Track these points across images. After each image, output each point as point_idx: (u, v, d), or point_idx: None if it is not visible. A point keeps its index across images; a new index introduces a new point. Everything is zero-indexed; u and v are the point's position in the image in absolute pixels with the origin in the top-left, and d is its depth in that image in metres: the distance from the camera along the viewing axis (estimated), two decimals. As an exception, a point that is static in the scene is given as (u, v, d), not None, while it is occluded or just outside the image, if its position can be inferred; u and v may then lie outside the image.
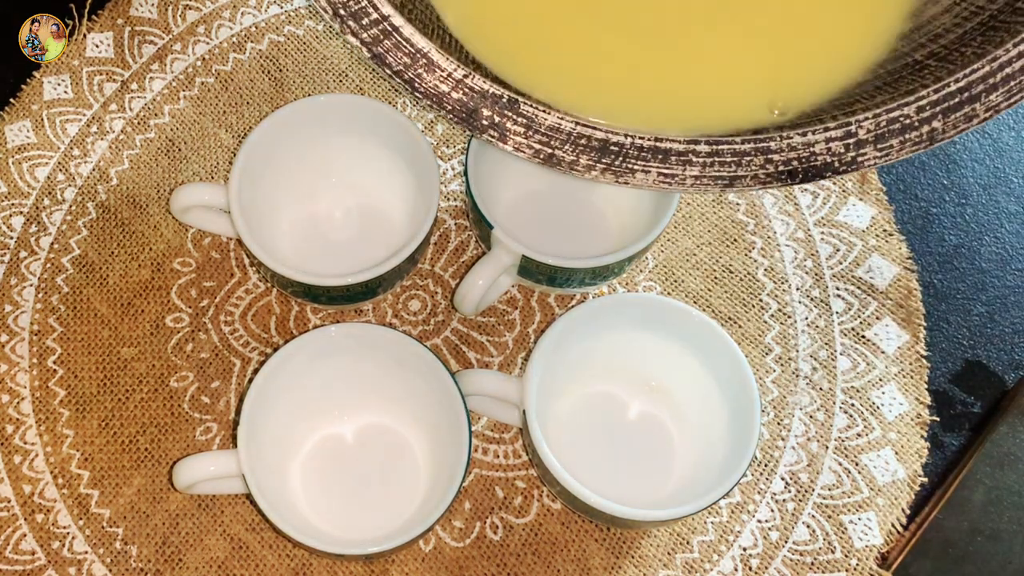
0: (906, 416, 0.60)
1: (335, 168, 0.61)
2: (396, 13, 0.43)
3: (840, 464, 0.59)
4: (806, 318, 0.62)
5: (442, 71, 0.43)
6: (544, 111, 0.43)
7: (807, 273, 0.63)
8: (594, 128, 0.43)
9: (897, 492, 0.58)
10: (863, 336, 0.61)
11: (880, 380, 0.60)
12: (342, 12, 0.44)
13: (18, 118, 0.64)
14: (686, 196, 0.64)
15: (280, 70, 0.66)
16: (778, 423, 0.59)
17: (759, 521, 0.57)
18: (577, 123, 0.43)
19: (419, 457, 0.56)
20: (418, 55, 0.43)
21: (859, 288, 0.63)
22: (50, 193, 0.62)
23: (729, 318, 0.62)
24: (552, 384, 0.55)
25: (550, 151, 0.43)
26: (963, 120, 0.42)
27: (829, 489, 0.58)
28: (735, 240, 0.63)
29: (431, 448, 0.56)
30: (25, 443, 0.57)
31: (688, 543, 0.57)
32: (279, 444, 0.54)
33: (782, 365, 0.61)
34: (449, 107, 0.43)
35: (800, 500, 0.58)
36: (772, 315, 0.62)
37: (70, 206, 0.62)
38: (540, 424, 0.52)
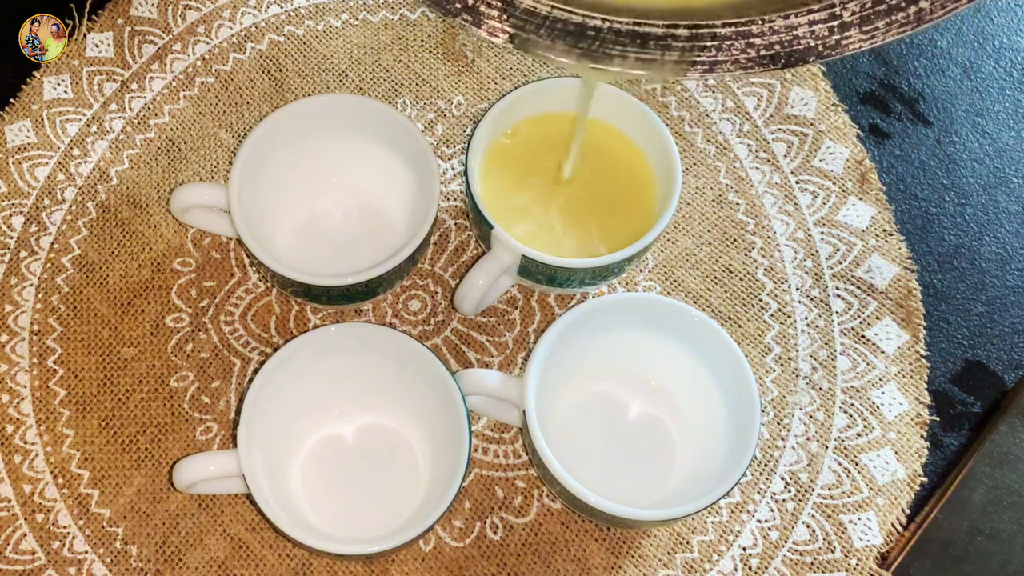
0: (906, 416, 0.60)
1: (335, 168, 0.61)
2: None
3: (840, 464, 0.59)
4: (806, 318, 0.62)
5: None
6: None
7: (807, 273, 0.63)
8: (571, 12, 0.41)
9: (897, 492, 0.58)
10: (863, 336, 0.61)
11: (880, 380, 0.60)
12: None
13: (18, 118, 0.64)
14: (685, 196, 0.64)
15: (280, 70, 0.66)
16: (778, 423, 0.59)
17: (759, 521, 0.57)
18: (553, 6, 0.41)
19: (419, 457, 0.56)
20: None
21: (859, 288, 0.63)
22: (50, 193, 0.63)
23: (729, 318, 0.62)
24: (552, 384, 0.55)
25: (525, 35, 0.41)
26: (951, 0, 0.41)
27: (829, 489, 0.58)
28: (735, 240, 0.63)
29: (431, 448, 0.56)
30: (25, 443, 0.57)
31: (688, 543, 0.57)
32: (279, 444, 0.54)
33: (782, 365, 0.61)
34: None
35: (800, 500, 0.58)
36: (772, 315, 0.62)
37: (70, 206, 0.62)
38: (540, 424, 0.52)
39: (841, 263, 0.63)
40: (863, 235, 0.64)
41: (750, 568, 0.56)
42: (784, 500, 0.58)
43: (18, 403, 0.58)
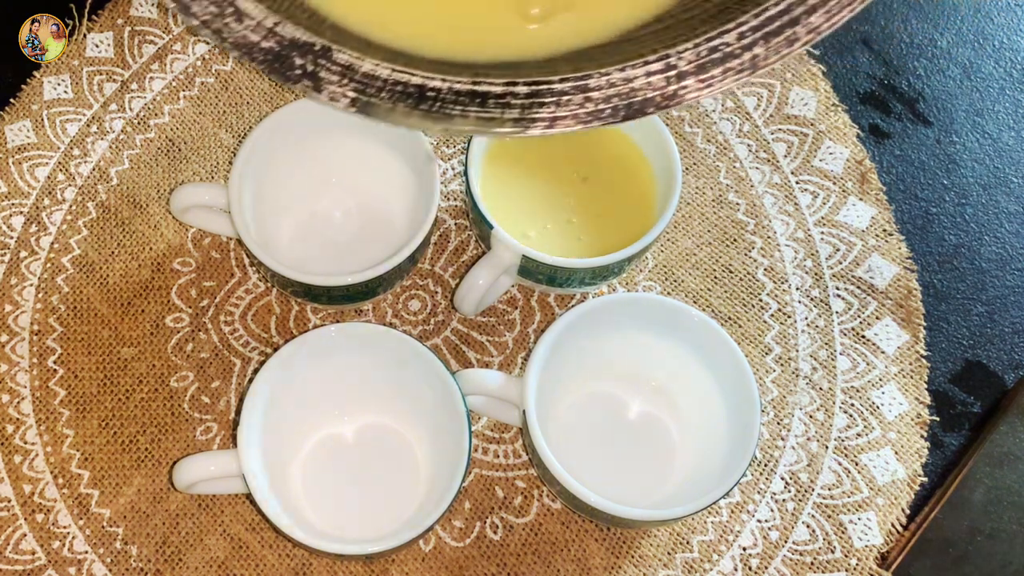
0: (906, 416, 0.60)
1: (335, 168, 0.61)
2: None
3: (840, 464, 0.59)
4: (806, 318, 0.62)
5: (251, 19, 0.41)
6: (359, 58, 0.41)
7: (807, 273, 0.63)
8: (410, 74, 0.42)
9: (897, 492, 0.58)
10: (863, 336, 0.61)
11: (880, 380, 0.60)
12: None
13: (18, 118, 0.64)
14: (685, 196, 0.64)
15: (280, 70, 0.66)
16: (778, 423, 0.59)
17: (759, 521, 0.57)
18: (393, 70, 0.42)
19: (419, 457, 0.56)
20: (225, 3, 0.41)
21: (859, 288, 0.63)
22: (50, 193, 0.63)
23: (729, 318, 0.62)
24: (552, 384, 0.55)
25: (366, 99, 0.41)
26: (785, 44, 0.41)
27: (829, 489, 0.58)
28: (735, 240, 0.63)
29: (431, 448, 0.56)
30: (25, 443, 0.57)
31: (688, 543, 0.57)
32: (279, 444, 0.54)
33: (782, 365, 0.61)
34: (260, 58, 0.41)
35: (800, 500, 0.58)
36: (772, 315, 0.62)
37: (70, 206, 0.62)
38: (540, 424, 0.52)
39: (841, 263, 0.63)
40: (863, 235, 0.64)
41: (750, 568, 0.56)
42: (784, 500, 0.58)
43: (18, 403, 0.58)
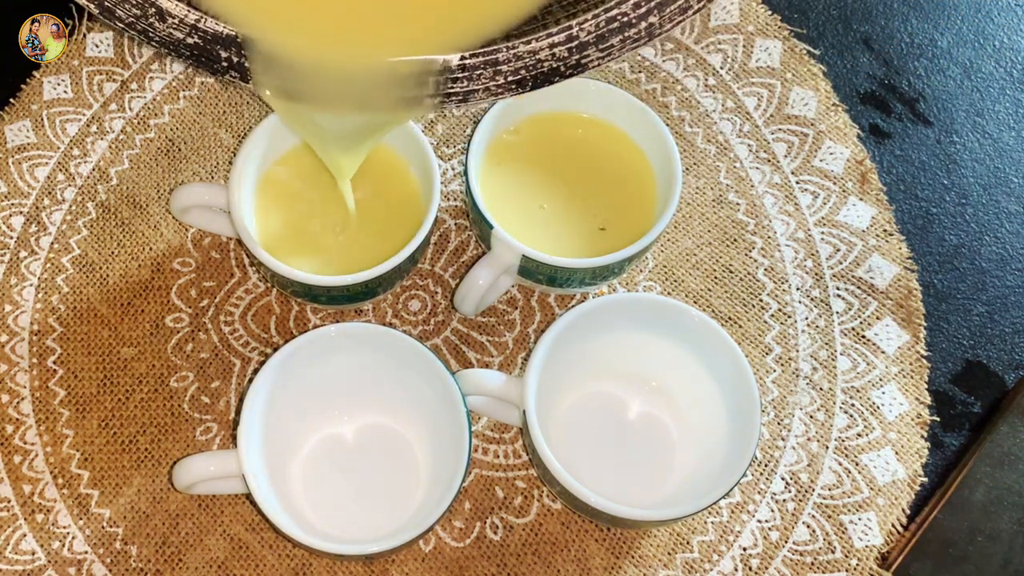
0: (906, 416, 0.60)
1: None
2: None
3: (840, 464, 0.59)
4: (806, 318, 0.62)
5: (174, 18, 0.43)
6: (280, 47, 0.43)
7: (807, 273, 0.63)
8: (332, 61, 0.43)
9: (897, 492, 0.58)
10: (863, 336, 0.61)
11: (880, 380, 0.60)
12: None
13: (18, 118, 0.64)
14: (685, 195, 0.64)
15: (280, 70, 0.66)
16: (778, 423, 0.59)
17: (759, 521, 0.57)
18: (314, 53, 0.43)
19: (419, 457, 0.56)
20: (147, 5, 0.43)
21: (859, 288, 0.63)
22: (50, 193, 0.62)
23: (729, 318, 0.62)
24: (552, 384, 0.55)
25: (294, 87, 0.43)
26: (678, 12, 0.43)
27: (829, 489, 0.58)
28: (735, 240, 0.63)
29: (431, 448, 0.56)
30: (25, 443, 0.57)
31: (688, 543, 0.57)
32: (279, 444, 0.54)
33: (782, 365, 0.61)
34: (186, 53, 0.43)
35: (800, 500, 0.58)
36: (772, 315, 0.62)
37: (70, 206, 0.62)
38: (540, 424, 0.52)
39: (841, 263, 0.63)
40: (863, 235, 0.64)
41: (750, 568, 0.56)
42: (784, 500, 0.58)
43: (18, 403, 0.58)
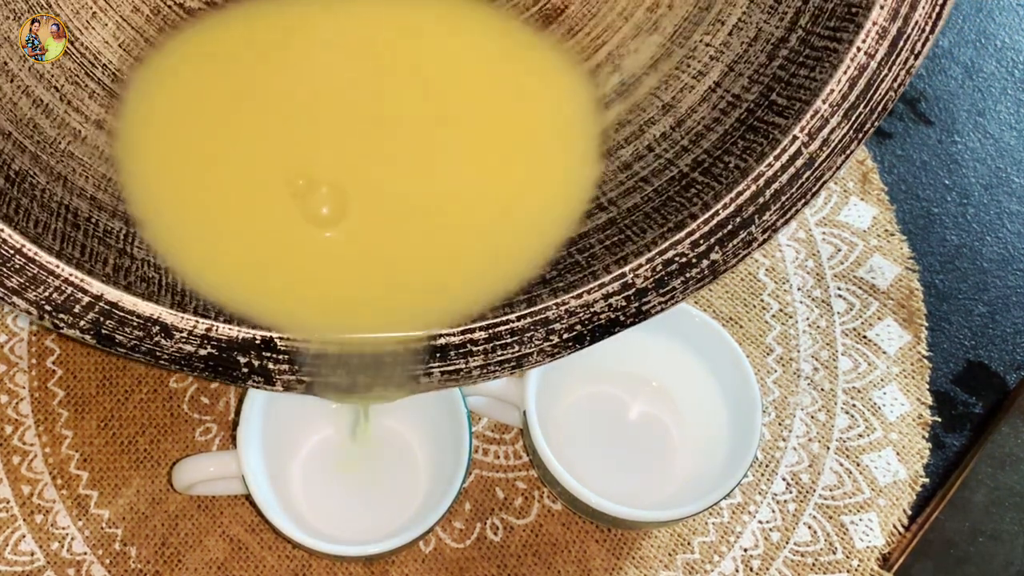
0: (907, 416, 0.60)
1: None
2: (110, 288, 0.39)
3: (841, 465, 0.58)
4: (807, 318, 0.62)
5: (181, 332, 0.39)
6: (303, 341, 0.39)
7: (808, 273, 0.63)
8: (363, 344, 0.40)
9: (898, 493, 0.58)
10: (864, 336, 0.61)
11: (881, 380, 0.60)
12: (48, 308, 0.38)
13: (17, 118, 0.64)
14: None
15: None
16: (779, 424, 0.59)
17: (760, 522, 0.57)
18: (343, 345, 0.40)
19: (419, 457, 0.56)
20: (149, 323, 0.39)
21: (860, 288, 0.62)
22: (49, 193, 0.62)
23: (730, 318, 0.62)
24: (553, 384, 0.55)
25: (323, 379, 0.40)
26: (742, 247, 0.40)
27: (830, 490, 0.58)
28: (736, 240, 0.63)
29: (431, 449, 0.56)
30: (24, 444, 0.57)
31: (689, 544, 0.57)
32: (279, 445, 0.54)
33: (783, 365, 0.61)
34: (201, 366, 0.39)
35: (801, 501, 0.58)
36: (773, 315, 0.62)
37: (69, 206, 0.62)
38: (541, 425, 0.52)
39: (843, 263, 0.63)
40: (865, 235, 0.64)
41: (751, 569, 0.56)
42: (785, 501, 0.58)
43: (17, 404, 0.58)
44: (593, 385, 0.58)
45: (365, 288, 0.43)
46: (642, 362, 0.57)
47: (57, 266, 0.38)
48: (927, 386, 0.61)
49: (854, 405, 0.60)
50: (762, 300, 0.62)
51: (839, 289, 0.62)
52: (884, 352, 0.61)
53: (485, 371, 0.40)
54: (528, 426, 0.52)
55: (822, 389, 0.60)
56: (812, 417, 0.59)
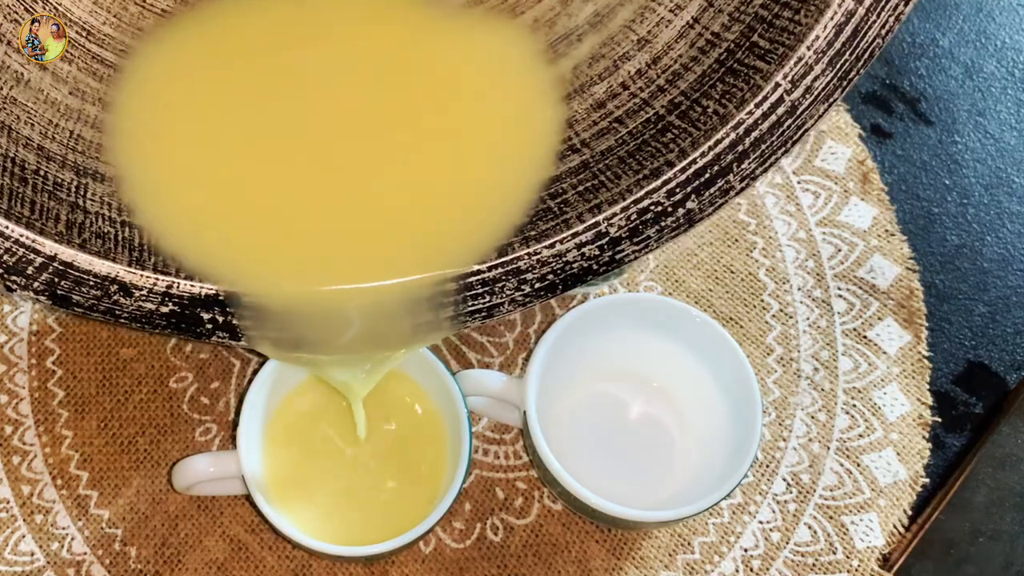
0: (908, 417, 0.60)
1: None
2: (63, 247, 0.37)
3: (842, 465, 0.58)
4: (808, 318, 0.62)
5: (140, 290, 0.37)
6: (268, 296, 0.38)
7: (809, 273, 0.63)
8: (332, 297, 0.39)
9: (899, 493, 0.58)
10: (865, 336, 0.61)
11: (882, 381, 0.60)
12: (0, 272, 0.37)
13: (17, 118, 0.64)
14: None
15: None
16: (780, 424, 0.59)
17: (760, 522, 0.57)
18: (309, 297, 0.39)
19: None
20: (107, 282, 0.37)
21: (861, 288, 0.62)
22: (49, 193, 0.62)
23: (730, 318, 0.62)
24: (553, 384, 0.55)
25: (294, 336, 0.39)
26: (719, 195, 0.38)
27: (831, 490, 0.58)
28: (736, 240, 0.63)
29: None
30: (24, 444, 0.57)
31: (689, 544, 0.57)
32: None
33: (784, 366, 0.61)
34: (163, 323, 0.38)
35: (801, 501, 0.58)
36: (774, 315, 0.62)
37: (69, 206, 0.62)
38: (541, 425, 0.52)
39: (843, 263, 0.63)
40: (865, 235, 0.64)
41: (752, 569, 0.56)
42: (786, 501, 0.58)
43: (17, 404, 0.58)
44: (593, 385, 0.58)
45: (337, 240, 0.42)
46: (642, 362, 0.57)
47: (6, 227, 0.37)
48: (927, 386, 0.61)
49: (854, 405, 0.60)
50: (762, 300, 0.62)
51: (839, 289, 0.62)
52: (884, 352, 0.61)
53: (455, 321, 0.39)
54: (528, 426, 0.52)
55: (822, 389, 0.60)
56: (812, 417, 0.59)
